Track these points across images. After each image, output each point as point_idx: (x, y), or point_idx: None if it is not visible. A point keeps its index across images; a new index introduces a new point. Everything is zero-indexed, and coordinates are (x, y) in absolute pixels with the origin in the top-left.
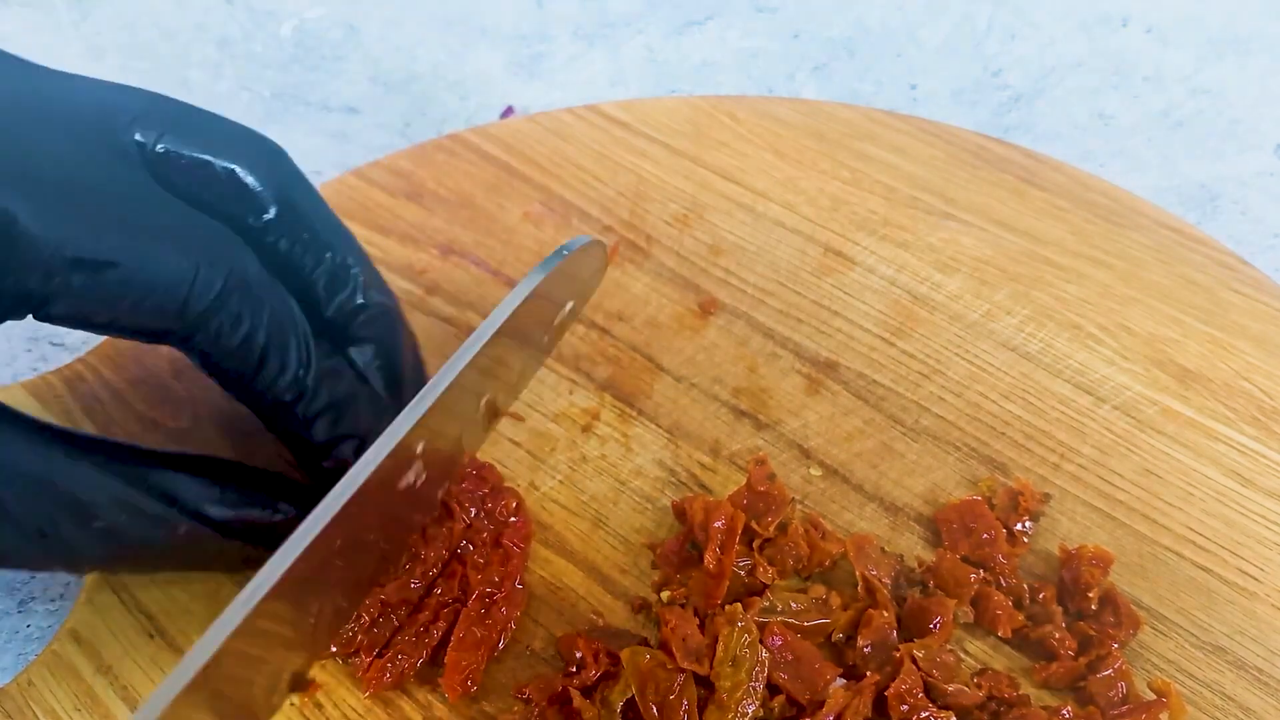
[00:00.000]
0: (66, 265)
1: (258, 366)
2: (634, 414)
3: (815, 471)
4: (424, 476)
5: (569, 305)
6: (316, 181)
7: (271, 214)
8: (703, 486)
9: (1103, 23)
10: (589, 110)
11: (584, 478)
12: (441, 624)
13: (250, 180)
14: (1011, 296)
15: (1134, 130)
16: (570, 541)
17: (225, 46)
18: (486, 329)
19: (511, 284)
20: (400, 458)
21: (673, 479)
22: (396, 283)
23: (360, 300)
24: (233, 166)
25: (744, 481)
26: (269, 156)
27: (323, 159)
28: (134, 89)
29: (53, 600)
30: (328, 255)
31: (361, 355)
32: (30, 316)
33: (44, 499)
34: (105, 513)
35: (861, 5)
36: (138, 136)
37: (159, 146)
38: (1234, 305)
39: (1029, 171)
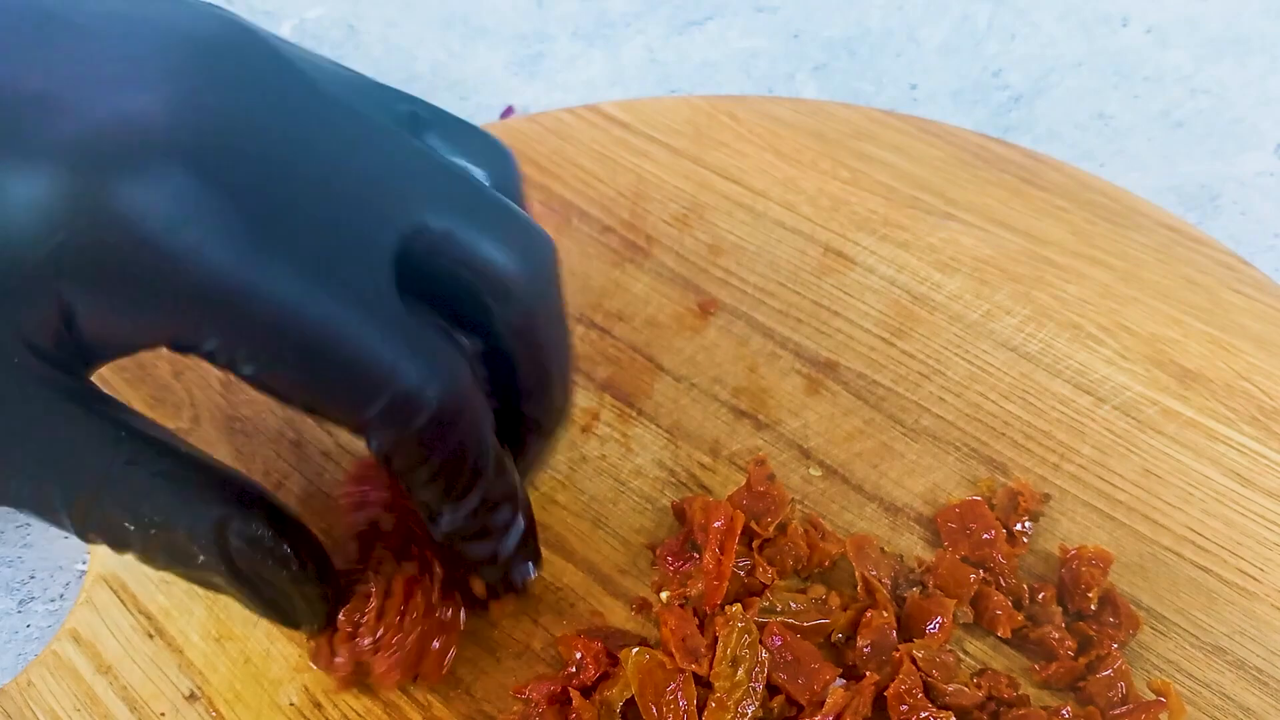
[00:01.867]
0: (239, 363)
1: (440, 500)
2: (634, 414)
3: (815, 471)
4: None
5: None
6: None
7: (518, 324)
8: (702, 487)
9: (1103, 23)
10: (589, 110)
11: (584, 478)
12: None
13: (519, 293)
14: (1011, 296)
15: (1134, 130)
16: (570, 542)
17: None
18: None
19: None
20: None
21: (672, 479)
22: None
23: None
24: (504, 279)
25: (744, 482)
26: (542, 268)
27: None
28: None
29: (52, 600)
30: (540, 404)
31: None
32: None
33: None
34: (146, 517)
35: (861, 5)
36: (427, 223)
37: (441, 236)
38: (1234, 305)
39: (1029, 171)
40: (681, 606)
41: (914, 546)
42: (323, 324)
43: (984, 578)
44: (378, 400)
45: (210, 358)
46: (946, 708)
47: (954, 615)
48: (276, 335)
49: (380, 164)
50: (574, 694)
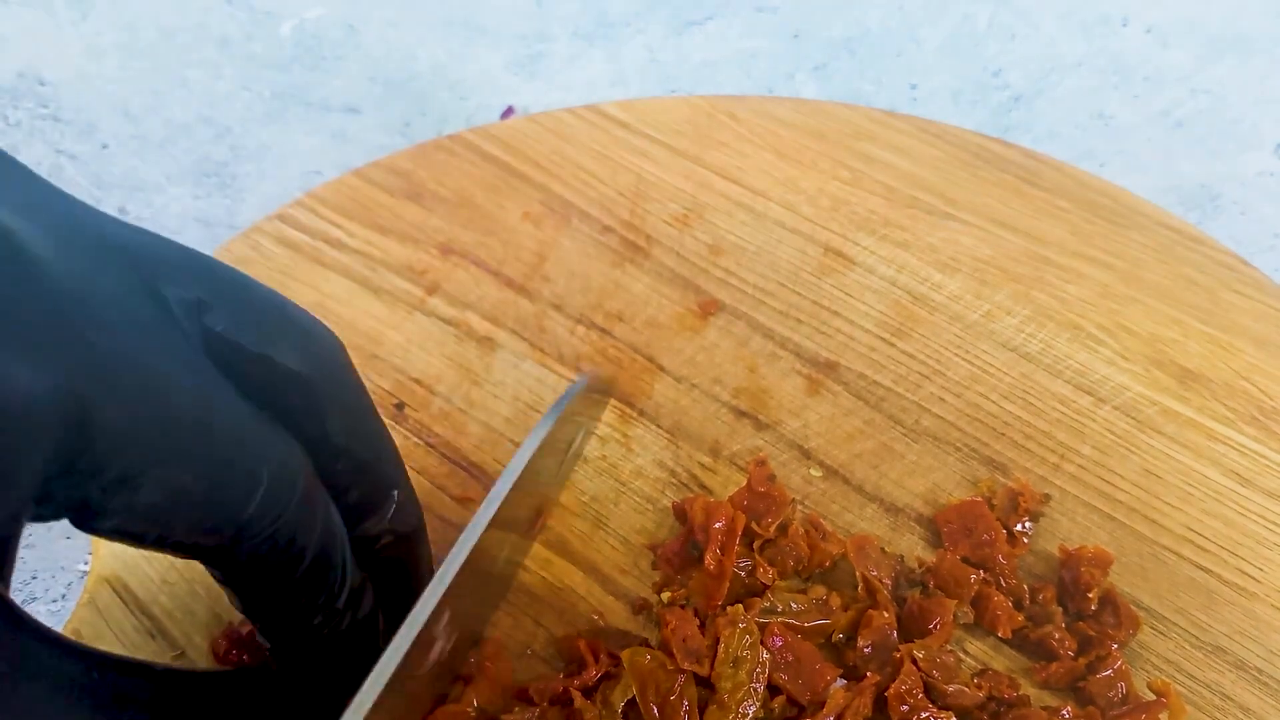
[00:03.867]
0: (124, 485)
1: (293, 591)
2: (634, 414)
3: (815, 472)
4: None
5: (579, 437)
6: (316, 181)
7: (329, 430)
8: (703, 487)
9: (1103, 23)
10: (589, 110)
11: (584, 478)
12: None
13: (313, 390)
14: (1012, 297)
15: (1134, 130)
16: (571, 542)
17: (225, 46)
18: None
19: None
20: (425, 637)
21: (673, 479)
22: (397, 283)
23: (387, 522)
24: (298, 371)
25: (744, 482)
26: (332, 357)
27: (323, 159)
28: (162, 239)
29: (54, 600)
30: (368, 479)
31: (380, 573)
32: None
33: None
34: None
35: (861, 5)
36: (178, 305)
37: (217, 327)
38: (1234, 305)
39: (1029, 171)
40: (682, 607)
41: (914, 547)
42: (218, 406)
43: (984, 578)
44: (262, 478)
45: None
46: (947, 708)
47: (954, 615)
48: (171, 421)
49: (114, 230)
50: (575, 694)
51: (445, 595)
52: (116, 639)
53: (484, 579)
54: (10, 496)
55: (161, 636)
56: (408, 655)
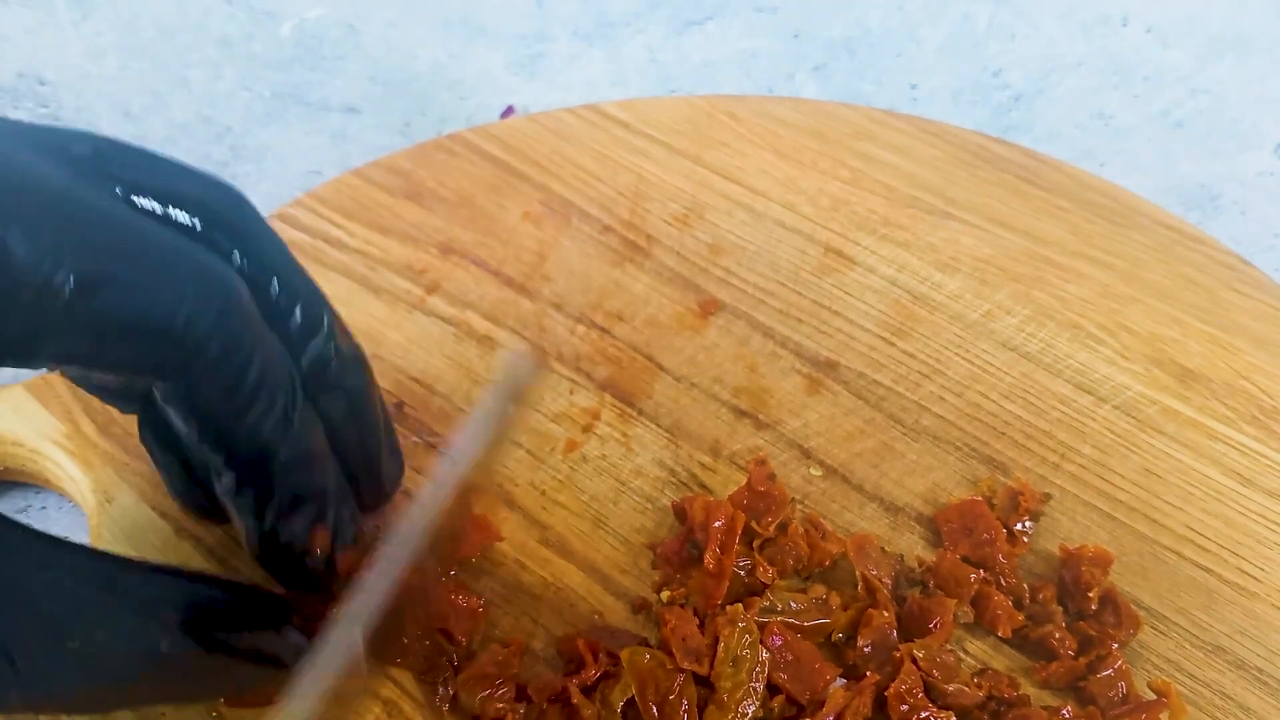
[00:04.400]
0: (61, 291)
1: (248, 402)
2: (634, 414)
3: (815, 471)
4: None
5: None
6: (316, 181)
7: (239, 263)
8: (703, 486)
9: (1103, 23)
10: (589, 110)
11: (584, 478)
12: None
13: (215, 228)
14: (1012, 296)
15: (1134, 130)
16: (570, 541)
17: (225, 46)
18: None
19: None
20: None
21: (673, 479)
22: (397, 283)
23: (332, 347)
24: (204, 201)
25: (744, 481)
26: (231, 201)
27: (323, 159)
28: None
29: None
30: (297, 305)
31: (333, 403)
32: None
33: (9, 616)
34: (78, 630)
35: (861, 5)
36: (78, 154)
37: (121, 174)
38: (1234, 305)
39: (1029, 171)
40: (682, 606)
41: (914, 546)
42: (126, 221)
43: (984, 577)
44: (195, 281)
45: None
46: (947, 707)
47: (954, 615)
48: (89, 230)
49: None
50: (574, 693)
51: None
52: None
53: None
54: None
55: None
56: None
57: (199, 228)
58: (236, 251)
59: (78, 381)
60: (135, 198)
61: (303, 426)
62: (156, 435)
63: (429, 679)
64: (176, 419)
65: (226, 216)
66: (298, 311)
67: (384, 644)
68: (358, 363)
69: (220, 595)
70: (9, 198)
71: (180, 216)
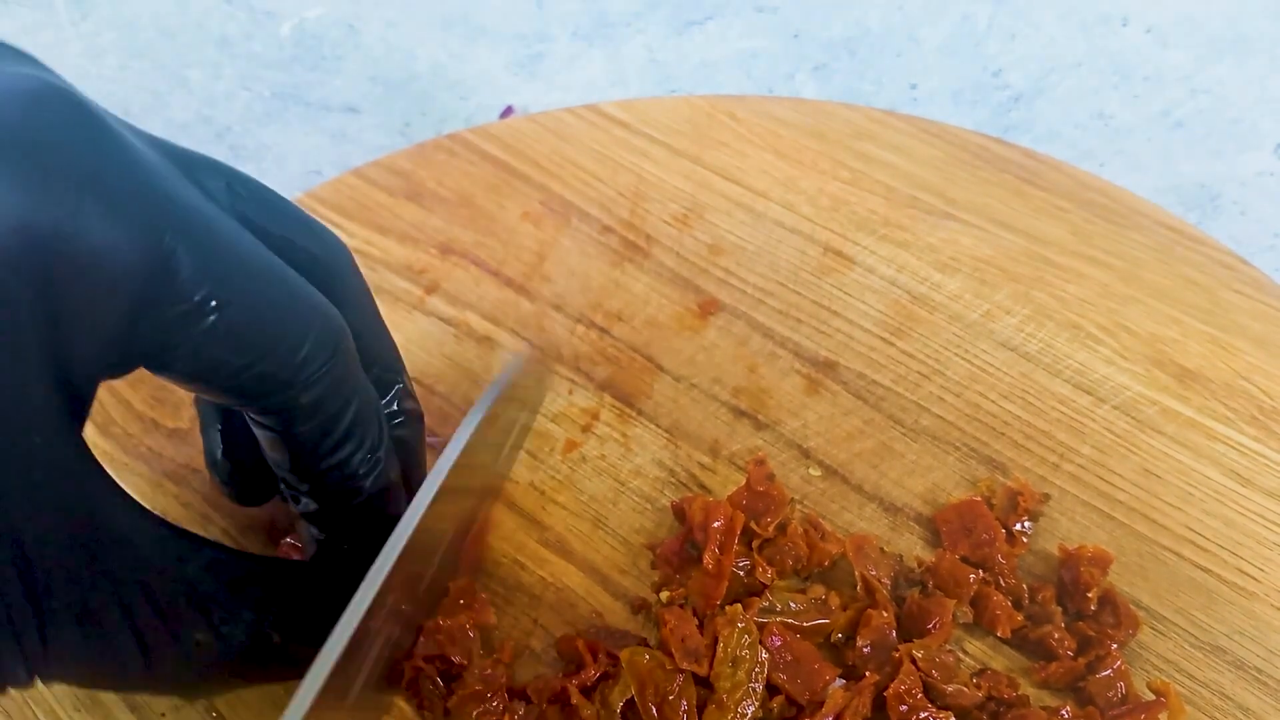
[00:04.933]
0: (206, 310)
1: (341, 441)
2: (634, 414)
3: (815, 471)
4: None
5: (520, 422)
6: (316, 181)
7: (347, 309)
8: (702, 486)
9: (1103, 23)
10: (589, 110)
11: (584, 478)
12: None
13: (330, 274)
14: (1011, 296)
15: (1134, 130)
16: (570, 542)
17: (225, 46)
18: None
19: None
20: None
21: (672, 479)
22: (396, 283)
23: (395, 408)
24: (317, 255)
25: (743, 481)
26: (342, 251)
27: (323, 159)
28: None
29: None
30: (375, 366)
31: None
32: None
33: (173, 586)
34: (204, 625)
35: (861, 5)
36: (213, 188)
37: (246, 210)
38: (1234, 305)
39: (1029, 171)
40: (681, 607)
41: (914, 546)
42: (267, 256)
43: (984, 578)
44: (314, 323)
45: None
46: (946, 708)
47: (954, 615)
48: (238, 260)
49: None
50: (574, 694)
51: (385, 584)
52: None
53: (429, 561)
54: (96, 337)
55: None
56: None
57: (306, 269)
58: (335, 299)
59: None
60: (259, 220)
61: (387, 461)
62: (216, 409)
63: (422, 703)
64: (267, 447)
65: (332, 269)
66: (375, 369)
67: (386, 669)
68: (419, 421)
69: (311, 589)
70: (179, 211)
71: (300, 248)
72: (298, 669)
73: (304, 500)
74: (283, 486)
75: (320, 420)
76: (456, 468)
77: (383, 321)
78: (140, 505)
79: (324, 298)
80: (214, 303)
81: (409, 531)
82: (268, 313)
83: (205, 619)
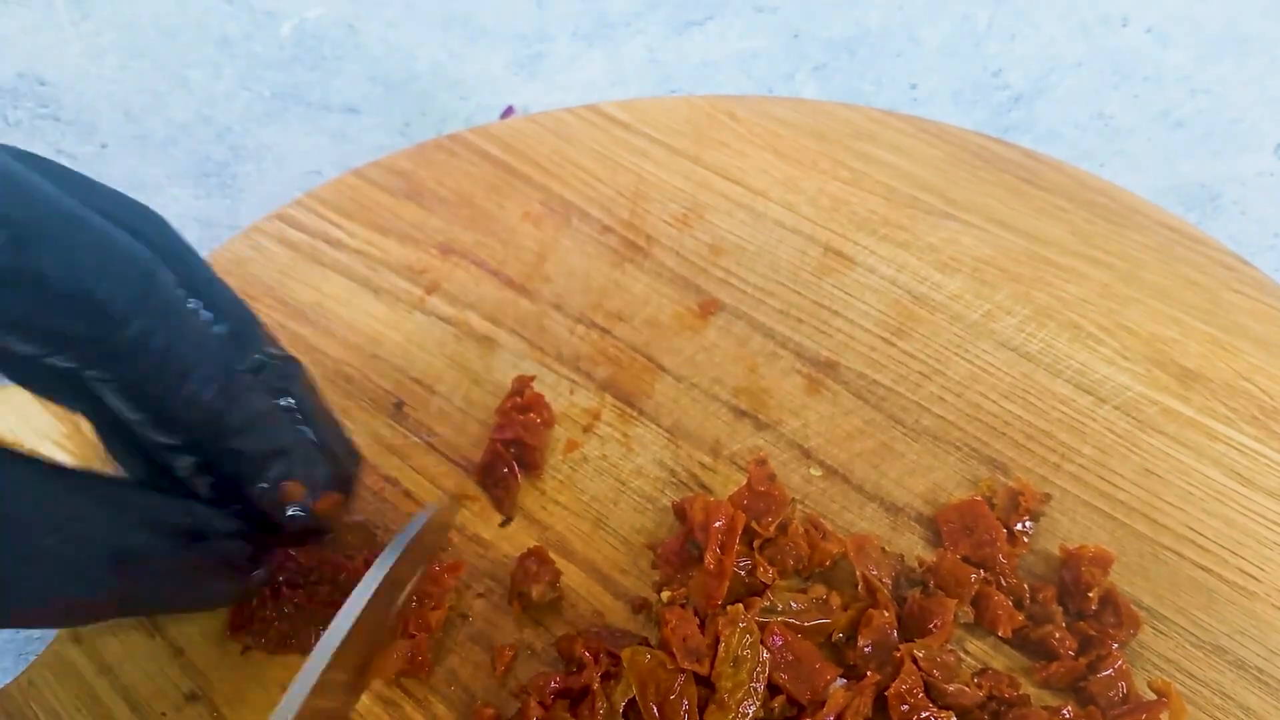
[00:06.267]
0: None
1: (181, 376)
2: (634, 414)
3: (815, 471)
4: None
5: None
6: (316, 181)
7: (182, 269)
8: (703, 486)
9: (1103, 23)
10: (589, 110)
11: (584, 478)
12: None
13: (145, 238)
14: (1012, 296)
15: (1134, 130)
16: (571, 542)
17: (225, 46)
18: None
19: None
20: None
21: (673, 479)
22: (397, 283)
23: (261, 357)
24: (133, 225)
25: (744, 481)
26: (154, 223)
27: (323, 159)
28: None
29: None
30: (224, 323)
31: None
32: None
33: (74, 526)
34: (50, 528)
35: (861, 5)
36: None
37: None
38: (1234, 305)
39: (1029, 171)
40: (682, 606)
41: (915, 546)
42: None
43: (985, 577)
44: (119, 254)
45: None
46: (947, 707)
47: (955, 615)
48: (29, 197)
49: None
50: (575, 693)
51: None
52: (115, 638)
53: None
54: None
55: (161, 635)
56: None
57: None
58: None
59: (28, 385)
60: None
61: (244, 392)
62: (114, 430)
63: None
64: (125, 410)
65: (152, 239)
66: (224, 326)
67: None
68: (291, 365)
69: (191, 506)
70: None
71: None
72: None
73: (182, 460)
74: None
75: (151, 357)
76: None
77: (221, 281)
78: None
79: (128, 238)
80: (10, 236)
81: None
82: (62, 246)
83: (46, 524)
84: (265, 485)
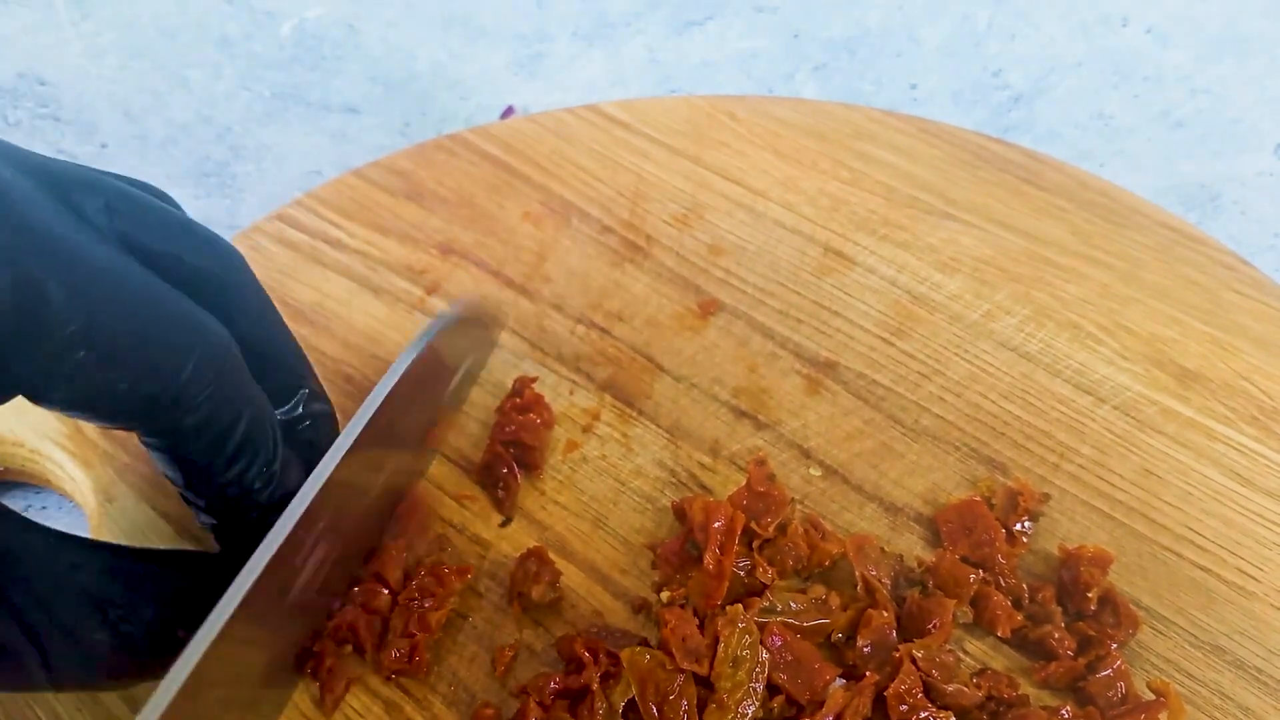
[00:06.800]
0: (81, 344)
1: (233, 459)
2: (634, 414)
3: (815, 471)
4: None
5: (464, 366)
6: (316, 181)
7: (240, 321)
8: (703, 487)
9: (1103, 23)
10: (589, 110)
11: (584, 478)
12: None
13: (210, 287)
14: (1011, 296)
15: (1134, 130)
16: (571, 542)
17: (225, 46)
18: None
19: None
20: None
21: (673, 479)
22: (396, 283)
23: (301, 411)
24: (206, 267)
25: (744, 482)
26: (234, 260)
27: (323, 159)
28: (70, 163)
29: None
30: (280, 371)
31: (299, 453)
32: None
33: (66, 593)
34: (104, 626)
35: (861, 5)
36: (92, 210)
37: (126, 229)
38: (1234, 305)
39: (1029, 171)
40: (682, 607)
41: (914, 546)
42: (143, 280)
43: (984, 578)
44: (194, 344)
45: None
46: (946, 707)
47: (954, 615)
48: (111, 287)
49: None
50: (575, 694)
51: (302, 520)
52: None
53: (362, 497)
54: None
55: None
56: (259, 582)
57: (197, 288)
58: (230, 314)
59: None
60: (140, 238)
61: (283, 473)
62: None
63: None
64: (161, 465)
65: (225, 280)
66: (279, 375)
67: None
68: (329, 422)
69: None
70: (46, 244)
71: (189, 264)
72: None
73: (203, 516)
74: (183, 497)
75: (209, 439)
76: (375, 429)
77: (285, 327)
78: (25, 519)
79: (208, 316)
80: (87, 335)
81: (319, 484)
82: (145, 339)
83: (102, 618)
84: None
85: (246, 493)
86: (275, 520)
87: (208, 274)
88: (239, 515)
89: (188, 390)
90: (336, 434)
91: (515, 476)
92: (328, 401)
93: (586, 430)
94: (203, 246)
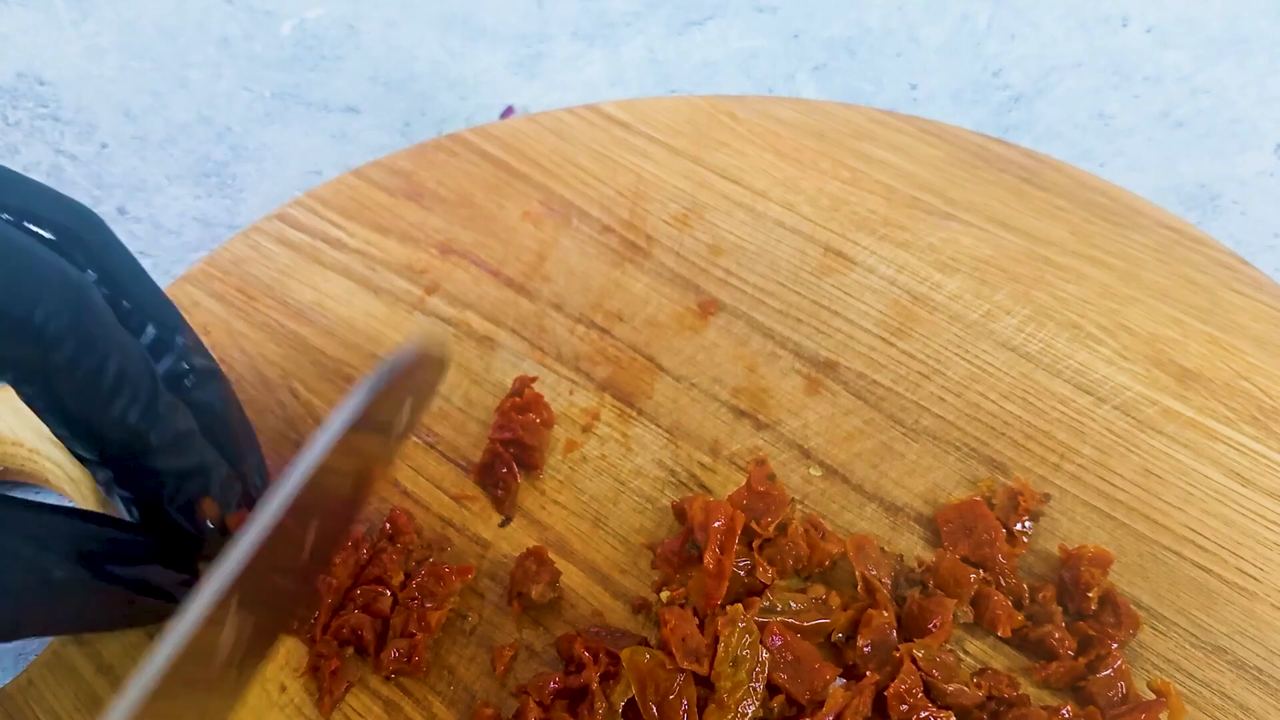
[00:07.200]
0: None
1: (109, 398)
2: (634, 414)
3: (815, 471)
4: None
5: (408, 404)
6: (316, 181)
7: (93, 279)
8: (703, 486)
9: (1103, 23)
10: (589, 110)
11: (584, 478)
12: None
13: (71, 246)
14: (1011, 296)
15: (1134, 130)
16: (570, 542)
17: (225, 46)
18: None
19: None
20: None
21: (673, 479)
22: (396, 283)
23: (185, 365)
24: (61, 221)
25: (744, 481)
26: (93, 219)
27: (323, 159)
28: None
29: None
30: (150, 324)
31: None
32: None
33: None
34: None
35: (861, 5)
36: None
37: None
38: (1234, 305)
39: (1029, 171)
40: (681, 606)
41: (914, 546)
42: None
43: (984, 577)
44: (50, 279)
45: None
46: (947, 707)
47: (954, 615)
48: None
49: None
50: (575, 693)
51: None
52: (115, 637)
53: (293, 556)
54: None
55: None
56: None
57: (56, 243)
58: (91, 269)
59: None
60: None
61: (168, 413)
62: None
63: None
64: (51, 425)
65: (83, 237)
66: (150, 329)
67: (276, 617)
68: (212, 376)
69: (113, 534)
70: None
71: (38, 232)
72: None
73: (100, 473)
74: (80, 458)
75: (81, 377)
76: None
77: (152, 282)
78: None
79: (62, 260)
80: None
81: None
82: (1, 268)
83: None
84: (182, 503)
85: (135, 435)
86: (182, 488)
87: (65, 230)
88: (138, 468)
89: (45, 328)
90: (225, 390)
91: (515, 476)
92: (211, 358)
93: (586, 430)
94: (59, 203)
